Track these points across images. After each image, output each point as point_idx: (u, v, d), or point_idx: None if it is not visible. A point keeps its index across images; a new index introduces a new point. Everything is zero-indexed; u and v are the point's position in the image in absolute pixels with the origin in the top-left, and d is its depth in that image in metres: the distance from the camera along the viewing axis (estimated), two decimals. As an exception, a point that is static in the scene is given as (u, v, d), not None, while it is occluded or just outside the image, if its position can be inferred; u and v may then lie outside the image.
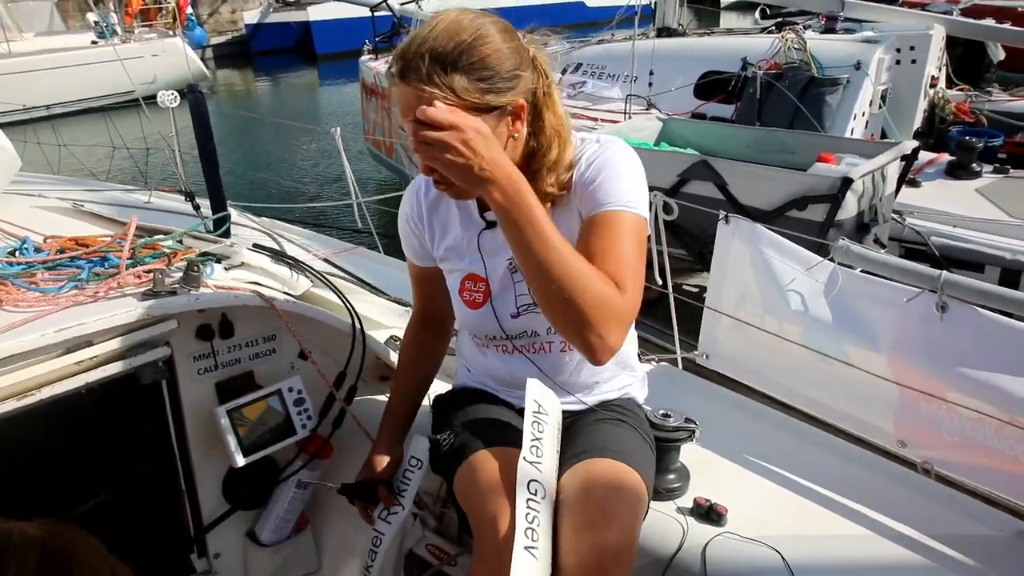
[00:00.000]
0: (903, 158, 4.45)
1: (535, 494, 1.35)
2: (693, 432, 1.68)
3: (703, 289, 2.61)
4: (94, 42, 15.29)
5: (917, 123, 7.09)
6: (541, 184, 1.41)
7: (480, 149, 1.20)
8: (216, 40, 22.68)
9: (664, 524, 1.59)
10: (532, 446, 1.40)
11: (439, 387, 1.95)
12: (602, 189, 1.38)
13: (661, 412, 1.69)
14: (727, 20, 21.97)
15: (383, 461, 1.69)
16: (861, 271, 2.23)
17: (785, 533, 1.55)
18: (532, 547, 1.29)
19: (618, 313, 1.27)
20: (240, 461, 1.76)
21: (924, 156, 5.73)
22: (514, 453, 1.41)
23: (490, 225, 1.52)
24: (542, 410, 1.47)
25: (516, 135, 1.36)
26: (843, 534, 1.58)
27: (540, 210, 1.26)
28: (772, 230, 2.44)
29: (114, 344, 1.62)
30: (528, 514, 1.32)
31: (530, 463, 1.38)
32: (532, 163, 1.42)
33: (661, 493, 1.65)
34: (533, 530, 1.31)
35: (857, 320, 2.13)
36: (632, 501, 1.41)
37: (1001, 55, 8.87)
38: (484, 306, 1.56)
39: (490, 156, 1.21)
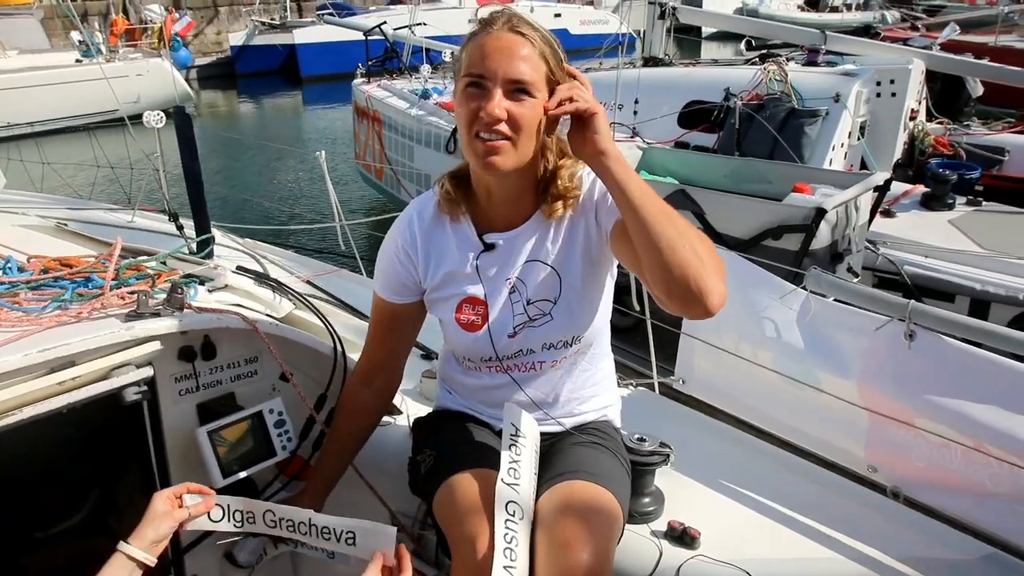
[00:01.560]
0: (876, 189, 4.55)
1: (513, 515, 1.38)
2: (668, 456, 1.71)
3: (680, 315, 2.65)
4: (78, 60, 15.26)
5: (897, 155, 7.20)
6: (552, 210, 1.53)
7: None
8: (201, 61, 22.70)
9: (639, 547, 1.61)
10: (510, 468, 1.43)
11: (419, 410, 1.97)
12: None
13: (637, 436, 1.73)
14: (708, 50, 22.33)
15: None
16: (833, 299, 2.29)
17: (758, 556, 1.58)
18: (511, 566, 1.31)
19: (723, 267, 1.35)
20: (220, 482, 1.77)
21: (900, 187, 5.84)
22: (493, 475, 1.44)
23: (488, 248, 1.57)
24: (520, 433, 1.50)
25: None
26: (814, 557, 1.61)
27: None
28: (747, 259, 2.49)
29: (97, 365, 1.63)
30: (507, 534, 1.35)
31: (508, 484, 1.41)
32: (550, 187, 1.53)
33: (636, 516, 1.67)
34: (511, 550, 1.33)
35: (829, 347, 2.19)
36: (607, 523, 1.44)
37: (980, 90, 9.06)
38: (481, 329, 1.59)
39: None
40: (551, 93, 1.41)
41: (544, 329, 1.58)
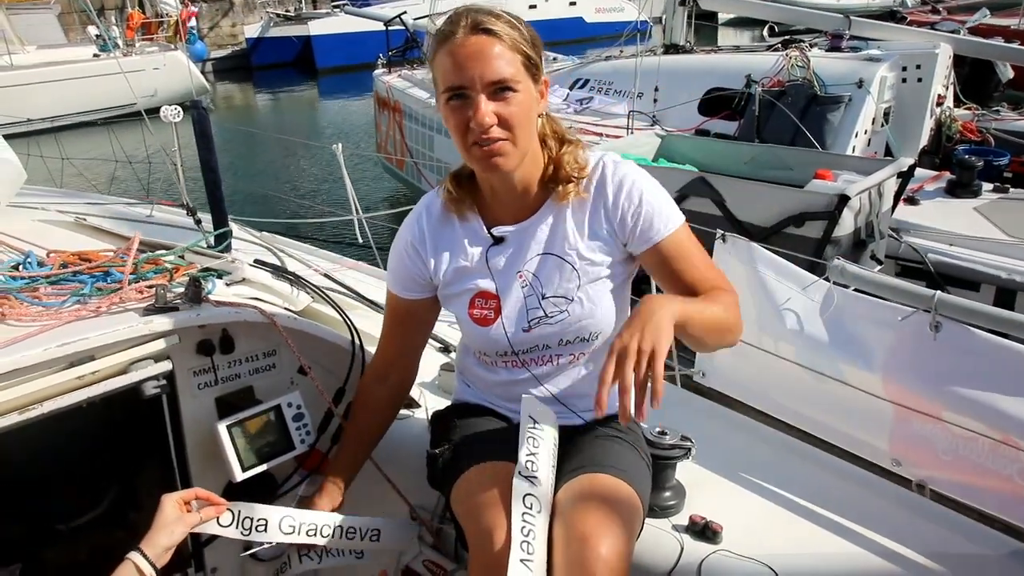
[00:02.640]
0: (899, 175, 4.48)
1: (530, 508, 1.37)
2: (689, 450, 1.69)
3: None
4: (96, 55, 15.37)
5: (923, 141, 7.05)
6: (564, 194, 1.51)
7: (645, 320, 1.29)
8: (217, 54, 22.80)
9: (660, 541, 1.60)
10: (527, 461, 1.42)
11: (437, 403, 1.97)
12: (655, 214, 1.49)
13: (657, 430, 1.71)
14: (724, 36, 22.11)
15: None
16: (855, 290, 2.25)
17: (780, 551, 1.56)
18: (528, 559, 1.30)
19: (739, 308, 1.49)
20: (239, 476, 1.77)
21: (925, 174, 5.75)
22: (510, 468, 1.43)
23: (497, 241, 1.55)
24: (537, 425, 1.49)
25: (542, 111, 1.49)
26: (838, 552, 1.58)
27: (691, 302, 1.40)
28: (769, 249, 2.46)
29: (116, 359, 1.63)
30: (524, 527, 1.34)
31: (525, 477, 1.40)
32: (558, 174, 1.51)
33: (657, 510, 1.65)
34: (528, 543, 1.32)
35: (852, 339, 2.15)
36: (627, 516, 1.42)
37: (1010, 74, 8.87)
38: (495, 323, 1.57)
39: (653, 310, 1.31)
40: (533, 78, 1.42)
41: (560, 325, 1.55)
